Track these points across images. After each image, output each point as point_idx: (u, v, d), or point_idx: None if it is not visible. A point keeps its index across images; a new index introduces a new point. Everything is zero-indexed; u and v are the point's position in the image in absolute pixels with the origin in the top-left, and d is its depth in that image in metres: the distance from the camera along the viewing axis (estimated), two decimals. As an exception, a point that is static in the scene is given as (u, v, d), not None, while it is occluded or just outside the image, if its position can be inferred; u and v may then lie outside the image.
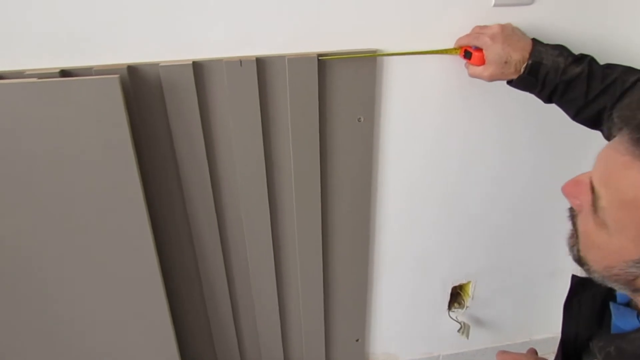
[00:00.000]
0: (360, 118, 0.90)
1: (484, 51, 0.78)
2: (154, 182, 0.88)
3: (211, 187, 0.90)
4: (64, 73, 0.76)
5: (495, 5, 0.83)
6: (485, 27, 0.80)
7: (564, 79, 0.74)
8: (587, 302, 0.65)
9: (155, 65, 0.79)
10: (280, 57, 0.82)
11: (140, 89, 0.80)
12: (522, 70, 0.75)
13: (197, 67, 0.80)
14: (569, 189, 0.53)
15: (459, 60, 0.86)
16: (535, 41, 0.77)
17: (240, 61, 0.80)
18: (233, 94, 0.83)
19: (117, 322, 0.96)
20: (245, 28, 0.80)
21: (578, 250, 0.53)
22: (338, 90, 0.87)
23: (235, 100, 0.83)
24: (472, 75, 0.81)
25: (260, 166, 0.90)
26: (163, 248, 0.94)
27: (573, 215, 0.54)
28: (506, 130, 0.98)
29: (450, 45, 0.85)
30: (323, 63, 0.84)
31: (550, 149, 1.04)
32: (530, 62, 0.75)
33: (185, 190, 0.90)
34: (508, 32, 0.77)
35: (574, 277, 0.68)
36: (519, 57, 0.75)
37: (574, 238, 0.54)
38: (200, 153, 0.86)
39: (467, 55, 0.81)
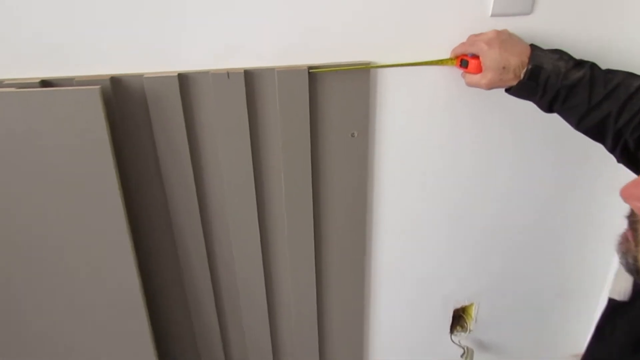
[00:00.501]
0: (354, 133, 0.87)
1: (480, 58, 0.75)
2: (138, 196, 0.85)
3: (197, 202, 0.87)
4: (45, 83, 0.74)
5: (492, 15, 0.80)
6: (480, 34, 0.77)
7: (565, 83, 0.70)
8: (624, 327, 0.61)
9: (139, 76, 0.76)
10: (270, 70, 0.79)
11: (123, 100, 0.77)
12: (522, 75, 0.72)
13: (183, 79, 0.78)
14: (630, 191, 0.48)
15: (457, 71, 0.83)
16: (533, 46, 0.74)
17: (228, 73, 0.77)
18: (220, 108, 0.80)
19: (94, 331, 0.92)
20: (233, 39, 0.77)
21: (636, 260, 0.49)
22: (330, 104, 0.84)
23: (223, 114, 0.80)
24: (470, 84, 0.78)
25: (249, 182, 0.86)
26: (147, 263, 0.91)
27: (634, 220, 0.50)
28: (512, 143, 0.95)
29: (447, 56, 0.82)
30: (314, 76, 0.81)
31: (559, 163, 0.99)
32: (530, 66, 0.71)
33: (170, 206, 0.86)
34: (504, 37, 0.74)
35: (610, 300, 0.64)
36: (517, 62, 0.72)
37: (628, 244, 0.50)
38: (186, 168, 0.83)
39: (464, 64, 0.78)
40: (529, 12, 0.81)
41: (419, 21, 0.80)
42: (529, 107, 0.77)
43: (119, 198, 0.78)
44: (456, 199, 0.99)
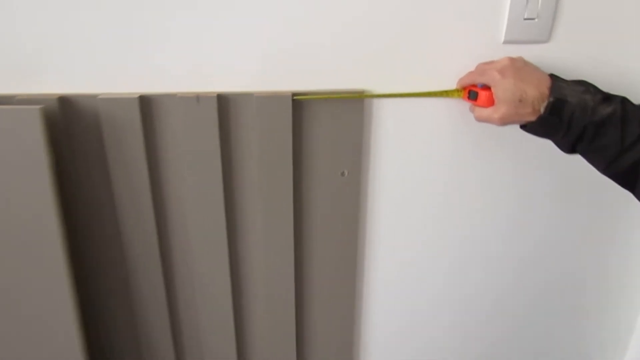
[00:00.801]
0: (344, 172, 0.75)
1: (492, 89, 0.64)
2: (87, 230, 0.72)
3: (159, 247, 0.74)
4: (-19, 101, 0.63)
5: (505, 42, 0.71)
6: (491, 62, 0.67)
7: (593, 120, 0.59)
8: None
9: (93, 97, 0.65)
10: (248, 95, 0.68)
11: (73, 124, 0.66)
12: (542, 109, 0.61)
13: (145, 102, 0.67)
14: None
15: (464, 104, 0.72)
16: (553, 76, 0.63)
17: (198, 97, 0.66)
18: (187, 137, 0.68)
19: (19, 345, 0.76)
20: (206, 58, 0.67)
21: None
22: (317, 137, 0.73)
23: (190, 144, 0.69)
24: (480, 120, 0.67)
25: (219, 223, 0.74)
26: (94, 320, 0.77)
27: None
28: (524, 187, 0.83)
29: (452, 86, 0.72)
30: (299, 104, 0.70)
31: (575, 212, 0.87)
32: (551, 99, 0.60)
33: (127, 252, 0.74)
34: (519, 65, 0.63)
35: None
36: (536, 93, 0.61)
37: None
38: (144, 204, 0.71)
39: (472, 95, 0.67)
40: (546, 39, 0.71)
41: (421, 46, 0.70)
42: (546, 147, 0.66)
43: (58, 235, 0.65)
44: (458, 249, 0.86)
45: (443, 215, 0.82)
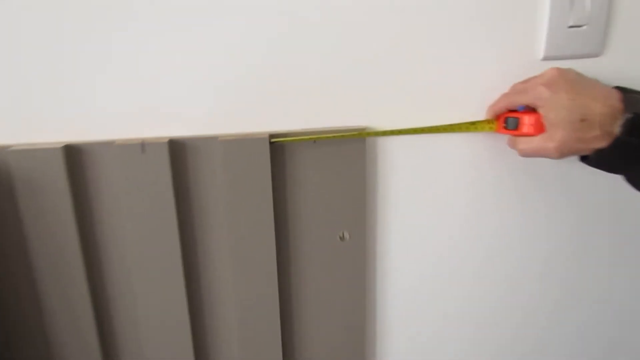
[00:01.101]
0: (343, 234, 0.57)
1: (540, 110, 0.47)
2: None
3: (96, 327, 0.55)
4: None
5: (545, 58, 0.54)
6: (532, 77, 0.50)
7: None
8: None
9: (3, 149, 0.49)
10: (210, 139, 0.52)
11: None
12: (619, 129, 0.43)
13: (72, 153, 0.50)
14: None
15: (495, 138, 0.55)
16: (621, 88, 0.46)
17: (143, 144, 0.50)
18: (130, 196, 0.51)
19: None
20: (153, 95, 0.51)
21: None
22: (306, 191, 0.55)
23: (134, 204, 0.51)
24: (528, 153, 0.49)
25: (178, 303, 0.55)
26: None
27: None
28: (582, 251, 0.64)
29: (480, 117, 0.55)
30: (280, 148, 0.53)
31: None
32: (629, 115, 0.43)
33: (52, 336, 0.55)
34: (572, 77, 0.47)
35: None
36: (604, 109, 0.44)
37: None
38: (76, 281, 0.53)
39: (511, 124, 0.50)
40: (597, 52, 0.55)
41: (437, 68, 0.54)
42: (612, 187, 0.48)
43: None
44: (495, 329, 0.66)
45: (470, 291, 0.63)
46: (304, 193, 0.55)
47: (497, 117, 0.53)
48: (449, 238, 0.60)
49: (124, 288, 0.55)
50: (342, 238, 0.57)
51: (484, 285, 0.62)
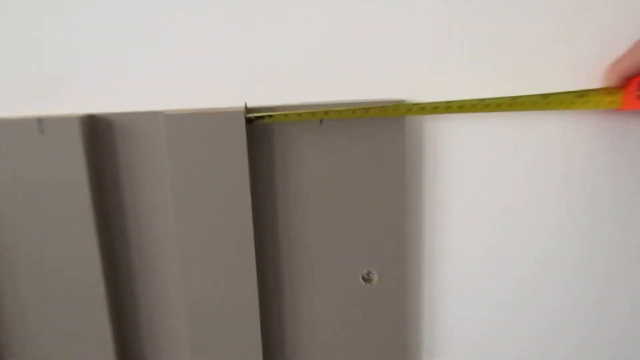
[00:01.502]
0: (369, 273, 0.36)
1: None
2: None
3: None
4: None
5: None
6: None
7: None
8: None
9: None
10: (151, 115, 0.32)
11: None
12: None
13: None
14: None
15: (617, 118, 0.34)
16: None
17: (39, 120, 0.31)
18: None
19: None
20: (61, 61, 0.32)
21: None
22: (309, 198, 0.35)
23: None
24: None
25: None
26: None
27: None
28: None
29: (589, 85, 0.33)
30: (265, 132, 0.33)
31: None
32: None
33: None
34: None
35: None
36: None
37: None
38: None
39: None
40: None
41: (521, 20, 0.33)
42: None
43: None
44: None
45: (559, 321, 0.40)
46: (305, 203, 0.34)
47: (623, 84, 0.31)
48: (529, 277, 0.38)
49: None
50: (368, 277, 0.35)
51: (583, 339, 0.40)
